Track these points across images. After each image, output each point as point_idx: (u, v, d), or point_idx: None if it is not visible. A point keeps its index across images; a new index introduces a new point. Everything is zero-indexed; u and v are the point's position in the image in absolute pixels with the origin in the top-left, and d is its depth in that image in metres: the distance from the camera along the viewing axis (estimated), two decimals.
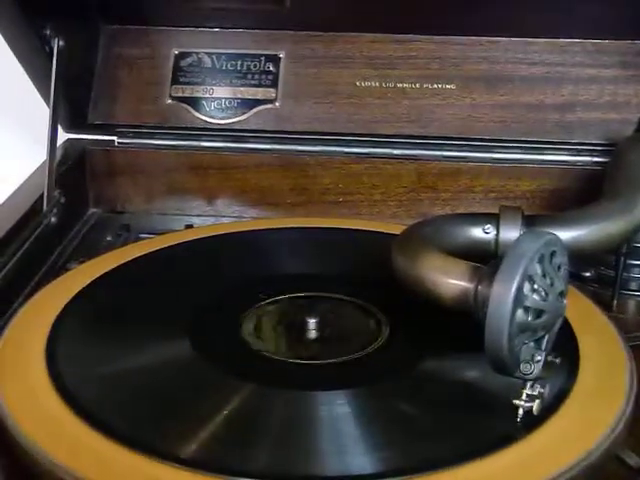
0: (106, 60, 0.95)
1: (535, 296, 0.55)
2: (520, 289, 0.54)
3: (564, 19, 0.90)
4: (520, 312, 0.54)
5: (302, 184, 0.91)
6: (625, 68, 0.90)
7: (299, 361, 0.64)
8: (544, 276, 0.56)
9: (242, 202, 0.92)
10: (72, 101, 0.92)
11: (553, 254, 0.57)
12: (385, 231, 0.78)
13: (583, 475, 0.53)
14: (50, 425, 0.56)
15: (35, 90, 0.88)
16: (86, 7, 0.91)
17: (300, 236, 0.82)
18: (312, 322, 0.67)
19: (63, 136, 0.92)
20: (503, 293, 0.53)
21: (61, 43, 0.83)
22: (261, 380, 0.61)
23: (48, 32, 0.83)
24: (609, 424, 0.56)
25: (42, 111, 0.85)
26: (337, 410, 0.58)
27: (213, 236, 0.82)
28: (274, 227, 0.84)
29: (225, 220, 0.90)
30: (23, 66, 0.86)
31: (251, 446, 0.55)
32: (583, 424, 0.57)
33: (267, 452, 0.55)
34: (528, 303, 0.55)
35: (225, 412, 0.57)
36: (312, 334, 0.67)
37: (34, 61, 0.85)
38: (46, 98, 0.85)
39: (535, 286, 0.55)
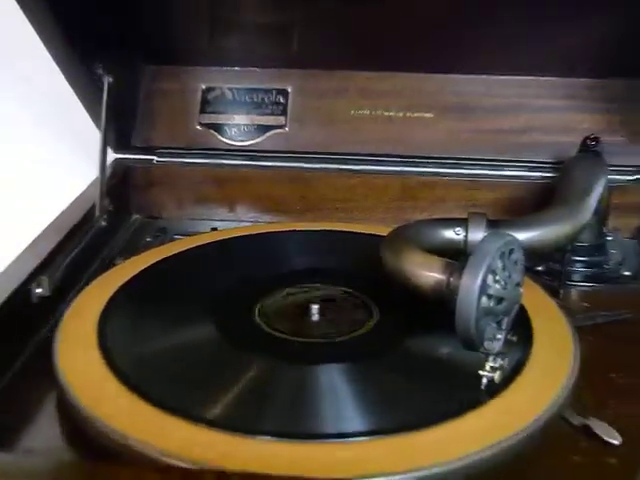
0: (147, 93, 0.95)
1: (497, 286, 0.55)
2: (484, 280, 0.54)
3: (522, 60, 0.90)
4: (484, 299, 0.54)
5: (306, 195, 0.91)
6: (571, 100, 0.91)
7: (303, 340, 0.64)
8: (504, 270, 0.56)
9: (257, 209, 0.92)
10: (119, 127, 0.92)
11: (511, 251, 0.57)
12: (375, 233, 0.78)
13: (537, 432, 0.53)
14: (99, 392, 0.56)
15: (89, 118, 0.87)
16: (131, 51, 0.91)
17: (305, 237, 0.82)
18: (314, 308, 0.67)
19: (112, 156, 0.92)
20: (471, 284, 0.54)
21: (110, 80, 0.83)
22: (272, 356, 0.61)
23: (100, 71, 0.83)
24: (557, 390, 0.57)
25: (95, 136, 0.85)
26: (335, 380, 0.58)
27: (234, 237, 0.83)
28: (284, 230, 0.84)
29: (244, 224, 0.90)
30: (79, 99, 0.86)
31: (263, 410, 0.55)
32: (536, 390, 0.57)
33: (277, 414, 0.55)
34: (491, 292, 0.55)
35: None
36: (314, 318, 0.67)
37: (89, 95, 0.85)
38: (98, 125, 0.85)
39: (497, 278, 0.55)
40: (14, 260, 0.68)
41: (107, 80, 0.83)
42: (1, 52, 1.04)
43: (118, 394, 0.56)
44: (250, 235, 0.83)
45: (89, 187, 0.84)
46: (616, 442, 0.55)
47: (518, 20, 0.84)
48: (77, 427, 0.55)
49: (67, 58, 0.80)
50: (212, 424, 0.52)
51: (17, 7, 0.74)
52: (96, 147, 0.83)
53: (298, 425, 0.54)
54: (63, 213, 0.79)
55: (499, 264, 0.56)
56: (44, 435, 0.56)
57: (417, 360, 0.61)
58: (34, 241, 0.72)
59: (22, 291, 0.65)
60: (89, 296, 0.69)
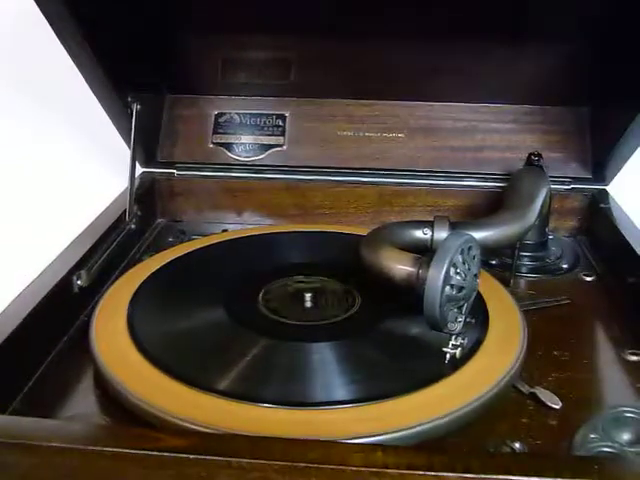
0: (169, 118, 0.94)
1: (458, 277, 0.55)
2: (448, 272, 0.53)
3: (477, 91, 0.89)
4: (447, 288, 0.54)
5: (301, 202, 0.90)
6: (517, 123, 0.90)
7: (298, 322, 0.63)
8: (464, 263, 0.55)
9: (260, 214, 0.91)
10: (146, 145, 0.91)
11: (470, 248, 0.57)
12: (357, 233, 0.77)
13: (492, 399, 0.53)
14: (127, 365, 0.56)
15: (121, 138, 0.86)
16: (156, 84, 0.90)
17: (299, 237, 0.81)
18: (308, 296, 0.66)
19: (139, 170, 0.91)
20: (436, 275, 0.53)
21: (138, 107, 0.82)
22: (272, 336, 0.60)
23: (129, 99, 0.82)
24: (509, 363, 0.57)
25: (125, 153, 0.83)
26: (324, 356, 0.57)
27: (241, 237, 0.82)
28: (282, 231, 0.83)
29: (249, 226, 0.88)
30: (113, 122, 0.85)
31: (265, 381, 0.54)
32: (491, 364, 0.57)
33: (276, 385, 0.54)
34: (453, 282, 0.54)
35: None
36: (308, 304, 0.66)
37: (120, 119, 0.84)
38: (128, 144, 0.84)
39: (458, 270, 0.55)
40: (58, 256, 0.67)
41: (136, 107, 0.82)
42: (48, 86, 1.04)
43: (144, 368, 0.56)
44: (254, 235, 0.82)
45: (120, 196, 0.83)
46: (557, 406, 0.55)
47: (475, 59, 0.85)
48: (110, 397, 0.55)
49: (103, 90, 0.79)
50: (224, 394, 0.52)
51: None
52: (126, 162, 0.82)
53: (295, 394, 0.53)
54: (98, 217, 0.78)
55: (460, 259, 0.55)
56: (82, 405, 0.56)
57: (392, 339, 0.61)
58: (74, 241, 0.71)
59: (65, 282, 0.64)
60: (120, 287, 0.68)
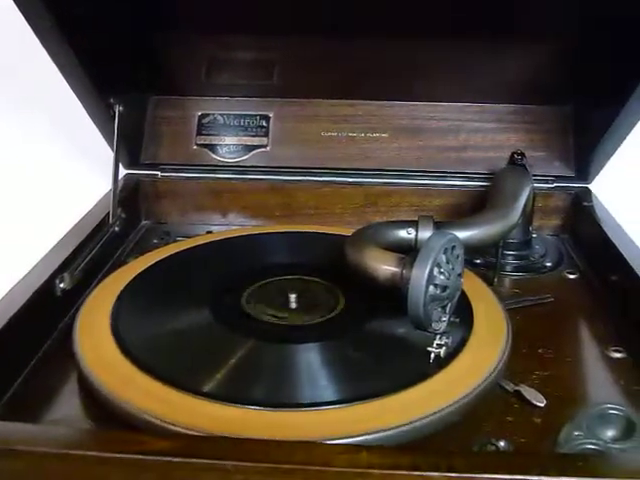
0: (152, 119, 0.94)
1: (441, 276, 0.55)
2: (431, 272, 0.53)
3: (461, 91, 0.90)
4: (431, 288, 0.54)
5: (286, 202, 0.90)
6: (500, 123, 0.90)
7: (283, 323, 0.63)
8: (447, 263, 0.55)
9: (245, 215, 0.91)
10: (129, 147, 0.90)
11: (453, 248, 0.57)
12: (342, 233, 0.77)
13: (476, 397, 0.53)
14: (111, 368, 0.56)
15: (104, 140, 0.86)
16: (139, 85, 0.90)
17: (284, 237, 0.81)
18: (293, 296, 0.66)
19: (123, 172, 0.91)
20: (420, 275, 0.53)
21: (121, 108, 0.82)
22: (258, 337, 0.60)
23: (112, 101, 0.81)
24: (493, 362, 0.57)
25: (109, 155, 0.83)
26: (310, 357, 0.57)
27: (226, 238, 0.81)
28: (267, 232, 0.83)
29: (234, 227, 0.88)
30: (95, 124, 0.84)
31: (250, 382, 0.54)
32: (476, 362, 0.57)
33: (261, 386, 0.54)
34: (437, 281, 0.54)
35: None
36: (293, 305, 0.66)
37: (103, 121, 0.83)
38: (111, 146, 0.83)
39: (441, 270, 0.55)
40: (41, 259, 0.67)
41: (118, 109, 0.81)
42: (30, 87, 1.03)
43: (128, 371, 0.55)
44: (239, 236, 0.82)
45: (104, 198, 0.83)
46: (541, 404, 0.55)
47: (458, 59, 0.85)
48: (94, 401, 0.54)
49: (85, 92, 0.79)
50: (208, 396, 0.52)
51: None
52: (110, 164, 0.81)
53: (280, 395, 0.53)
54: (82, 220, 0.77)
55: (443, 258, 0.55)
56: (66, 408, 0.55)
57: (377, 339, 0.61)
58: (57, 243, 0.71)
59: (48, 285, 0.64)
60: (104, 289, 0.68)
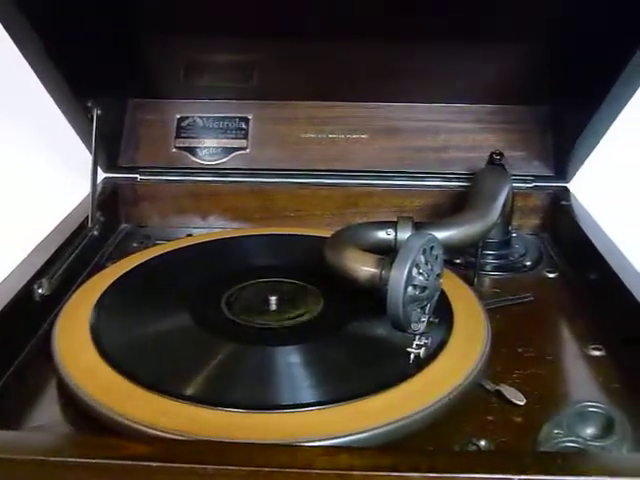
0: (131, 122, 0.93)
1: (420, 277, 0.55)
2: (410, 273, 0.53)
3: (440, 91, 0.90)
4: (410, 288, 0.54)
5: (266, 205, 0.90)
6: (479, 123, 0.91)
7: (263, 326, 0.63)
8: (426, 263, 0.55)
9: (225, 218, 0.91)
10: (108, 151, 0.90)
11: (432, 248, 0.57)
12: (321, 235, 0.77)
13: (457, 397, 0.53)
14: (91, 373, 0.55)
15: (82, 144, 0.85)
16: (117, 88, 0.89)
17: (264, 240, 0.81)
18: (273, 299, 0.66)
19: (102, 175, 0.91)
20: (398, 276, 0.53)
21: (99, 112, 0.81)
22: (238, 340, 0.60)
23: (90, 104, 0.81)
24: (473, 361, 0.57)
25: (87, 159, 0.82)
26: (290, 359, 0.57)
27: (206, 241, 0.81)
28: (247, 234, 0.83)
29: (214, 230, 0.88)
30: (73, 128, 0.84)
31: (231, 385, 0.54)
32: (456, 362, 0.57)
33: (242, 389, 0.54)
34: (416, 282, 0.54)
35: None
36: (273, 307, 0.66)
37: (81, 124, 0.83)
38: (89, 149, 0.83)
39: (420, 270, 0.55)
40: (19, 265, 0.66)
41: (96, 112, 0.81)
42: (6, 91, 1.02)
43: (108, 376, 0.55)
44: (219, 239, 0.81)
45: (82, 202, 0.83)
46: (521, 403, 0.55)
47: (436, 60, 0.86)
48: (74, 407, 0.54)
49: (62, 95, 0.78)
50: (189, 399, 0.52)
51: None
52: (88, 168, 0.81)
53: (260, 398, 0.53)
54: (60, 224, 0.77)
55: (422, 259, 0.55)
56: (46, 414, 0.55)
57: (357, 341, 0.61)
58: (35, 248, 0.70)
59: (26, 291, 0.63)
60: (83, 294, 0.68)
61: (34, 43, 0.70)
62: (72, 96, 0.78)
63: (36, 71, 0.74)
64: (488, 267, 0.79)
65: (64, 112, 0.82)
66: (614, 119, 0.79)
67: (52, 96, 0.78)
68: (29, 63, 0.73)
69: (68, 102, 0.80)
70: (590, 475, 0.40)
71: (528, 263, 0.80)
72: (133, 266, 0.73)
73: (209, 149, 0.92)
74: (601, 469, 0.41)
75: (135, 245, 0.85)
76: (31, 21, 0.68)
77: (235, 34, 0.85)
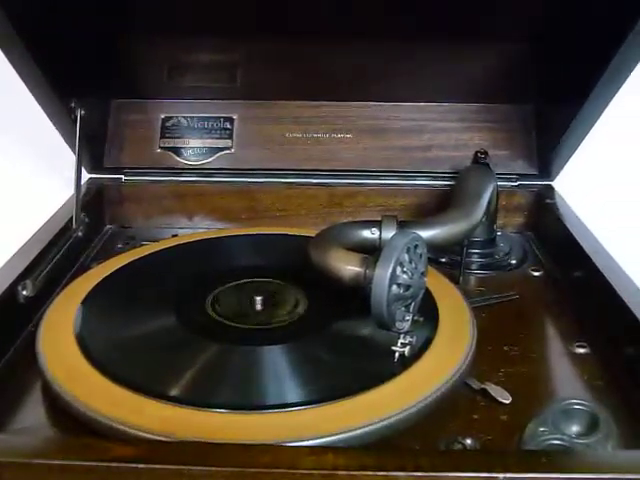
0: (115, 122, 0.93)
1: (404, 276, 0.55)
2: (394, 271, 0.54)
3: (424, 91, 0.90)
4: (394, 287, 0.54)
5: (251, 205, 0.90)
6: (463, 122, 0.91)
7: (249, 326, 0.63)
8: (410, 262, 0.56)
9: (211, 218, 0.90)
10: (92, 151, 0.89)
11: (416, 247, 0.57)
12: (307, 234, 0.76)
13: (442, 396, 0.53)
14: (76, 375, 0.55)
15: (66, 145, 0.85)
16: (101, 88, 0.89)
17: (249, 240, 0.81)
18: (258, 299, 0.66)
19: (86, 176, 0.90)
20: (382, 274, 0.53)
21: (82, 112, 0.81)
22: (223, 340, 0.60)
23: (73, 105, 0.80)
24: (459, 360, 0.57)
25: (71, 159, 0.82)
26: (275, 359, 0.57)
27: (192, 241, 0.81)
28: (233, 234, 0.83)
29: (199, 230, 0.88)
30: (57, 128, 0.84)
31: (216, 386, 0.54)
32: (442, 361, 0.57)
33: (227, 390, 0.54)
34: (400, 281, 0.54)
35: None
36: (258, 307, 0.66)
37: (64, 125, 0.83)
38: (73, 150, 0.82)
39: (404, 269, 0.55)
40: (2, 266, 0.66)
41: (80, 112, 0.80)
42: None
43: (93, 378, 0.55)
44: (204, 240, 0.81)
45: (67, 203, 0.82)
46: (507, 401, 0.55)
47: (421, 60, 0.86)
48: (59, 408, 0.54)
49: (44, 95, 0.78)
50: (174, 400, 0.51)
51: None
52: (72, 168, 0.80)
53: (245, 398, 0.53)
54: (44, 226, 0.76)
55: (406, 257, 0.55)
56: (31, 417, 0.54)
57: (343, 340, 0.61)
58: (19, 250, 0.70)
59: (10, 293, 0.63)
60: (68, 295, 0.67)
61: (16, 43, 0.70)
62: (55, 96, 0.78)
63: (18, 71, 0.74)
64: (473, 266, 0.79)
65: (47, 113, 0.81)
66: (598, 117, 0.79)
67: (35, 96, 0.78)
68: (11, 62, 0.73)
69: (51, 102, 0.79)
70: (574, 473, 0.41)
71: (513, 261, 0.80)
72: (118, 267, 0.73)
73: (194, 149, 0.92)
74: (585, 467, 0.41)
75: (120, 246, 0.85)
76: (13, 21, 0.67)
77: (219, 34, 0.85)
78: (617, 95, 0.75)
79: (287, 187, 0.90)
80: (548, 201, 0.86)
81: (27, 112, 0.82)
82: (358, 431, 0.48)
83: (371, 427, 0.49)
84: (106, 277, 0.70)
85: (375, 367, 0.55)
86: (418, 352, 0.57)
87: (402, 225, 0.68)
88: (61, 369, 0.55)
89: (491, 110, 0.91)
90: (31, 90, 0.77)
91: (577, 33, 0.78)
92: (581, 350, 0.63)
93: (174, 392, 0.53)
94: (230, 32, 0.85)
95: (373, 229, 0.67)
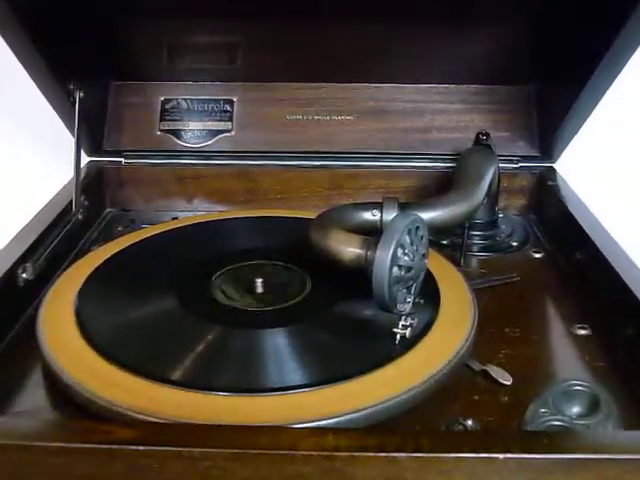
0: (114, 105, 0.92)
1: (405, 257, 0.55)
2: (395, 253, 0.53)
3: (425, 72, 0.90)
4: (395, 269, 0.54)
5: (251, 187, 0.90)
6: (464, 103, 0.91)
7: (250, 308, 0.63)
8: (411, 244, 0.55)
9: (210, 201, 0.90)
10: (91, 134, 0.89)
11: (417, 228, 0.57)
12: (307, 217, 0.76)
13: (444, 377, 0.53)
14: (76, 358, 0.55)
15: (65, 128, 0.85)
16: (100, 70, 0.88)
17: (250, 222, 0.81)
18: (259, 281, 0.66)
19: (86, 159, 0.90)
20: (383, 256, 0.53)
21: (81, 94, 0.80)
22: (225, 323, 0.59)
23: (72, 87, 0.80)
24: (460, 342, 0.57)
25: (71, 142, 0.81)
26: (276, 341, 0.57)
27: (191, 224, 0.81)
28: (233, 217, 0.82)
29: (199, 213, 0.88)
30: (55, 111, 0.83)
31: (217, 369, 0.54)
32: (443, 343, 0.57)
33: (228, 372, 0.54)
34: (401, 262, 0.54)
35: None
36: (259, 289, 0.65)
37: (63, 108, 0.82)
38: (72, 133, 0.82)
39: (405, 251, 0.55)
40: (2, 250, 0.66)
41: (78, 95, 0.80)
42: None
43: (93, 361, 0.54)
44: (205, 222, 0.81)
45: (66, 186, 0.82)
46: (508, 383, 0.55)
47: (422, 41, 0.86)
48: (60, 391, 0.54)
49: (43, 78, 0.77)
50: (175, 383, 0.51)
51: None
52: (72, 151, 0.80)
53: (246, 381, 0.53)
54: (44, 209, 0.76)
55: (407, 239, 0.55)
56: (32, 400, 0.54)
57: (344, 322, 0.61)
58: (19, 233, 0.69)
59: (9, 276, 0.63)
60: (68, 278, 0.67)
61: (14, 25, 0.69)
62: (53, 79, 0.77)
63: (16, 53, 0.73)
64: (475, 248, 0.79)
65: (46, 95, 0.81)
66: (600, 99, 0.79)
67: (33, 79, 0.77)
68: (9, 45, 0.72)
69: (49, 85, 0.79)
70: (575, 453, 0.41)
71: (515, 243, 0.80)
72: (118, 250, 0.73)
73: (194, 132, 0.92)
74: (585, 447, 0.41)
75: (120, 229, 0.85)
76: (10, 3, 0.67)
77: (219, 15, 0.85)
78: (619, 77, 0.75)
79: (287, 169, 0.89)
80: (550, 183, 0.85)
81: (26, 95, 0.82)
82: (359, 413, 0.48)
83: (372, 409, 0.49)
84: (106, 260, 0.70)
85: (376, 349, 0.55)
86: (419, 334, 0.57)
87: (403, 207, 0.67)
88: (61, 352, 0.55)
89: (492, 91, 0.90)
90: (29, 72, 0.77)
91: (578, 13, 0.77)
92: (582, 332, 0.63)
93: (175, 375, 0.53)
94: (230, 14, 0.84)
95: (374, 211, 0.67)
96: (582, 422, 0.49)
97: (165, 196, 0.90)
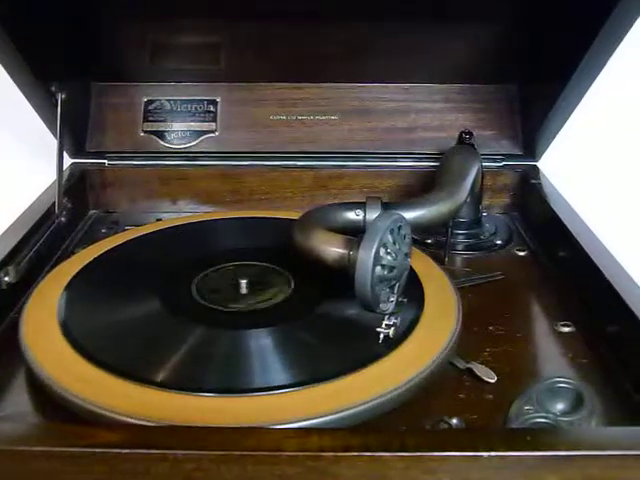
0: (97, 106, 0.92)
1: (388, 257, 0.55)
2: (377, 253, 0.53)
3: (408, 71, 0.90)
4: (378, 268, 0.54)
5: (236, 188, 0.89)
6: (448, 102, 0.91)
7: (234, 309, 0.62)
8: (394, 243, 0.55)
9: (195, 202, 0.90)
10: (74, 136, 0.89)
11: (400, 228, 0.57)
12: (291, 217, 0.76)
13: (428, 376, 0.53)
14: (59, 361, 0.55)
15: (47, 129, 0.84)
16: (82, 71, 0.88)
17: (235, 223, 0.80)
18: (243, 282, 0.65)
19: (69, 161, 0.89)
20: (366, 256, 0.53)
21: (63, 96, 0.80)
22: (207, 323, 0.59)
23: (54, 89, 0.79)
24: (445, 340, 0.57)
25: (53, 144, 0.81)
26: (261, 342, 0.57)
27: (175, 225, 0.80)
28: (217, 218, 0.82)
29: (184, 215, 0.87)
30: (37, 112, 0.83)
31: (201, 370, 0.54)
32: (428, 341, 0.57)
33: (212, 374, 0.54)
34: (383, 262, 0.54)
35: None
36: (243, 290, 0.65)
37: (45, 109, 0.82)
38: (55, 135, 0.81)
39: (388, 250, 0.55)
40: None
41: (60, 96, 0.79)
42: None
43: (77, 363, 0.54)
44: (189, 223, 0.81)
45: (49, 188, 0.81)
46: (492, 381, 0.56)
47: (405, 40, 0.85)
48: (44, 395, 0.53)
49: (24, 79, 0.77)
50: (159, 385, 0.51)
51: None
52: (54, 153, 0.79)
53: (230, 382, 0.53)
54: (26, 211, 0.75)
55: (390, 239, 0.55)
56: (15, 404, 0.54)
57: (328, 322, 0.60)
58: (1, 236, 0.69)
59: None
60: (51, 281, 0.66)
61: None
62: (35, 80, 0.77)
63: None
64: (459, 246, 0.79)
65: (27, 96, 0.80)
66: (582, 97, 0.79)
67: (14, 80, 0.77)
68: None
69: (31, 86, 0.78)
70: (559, 450, 0.41)
71: (498, 242, 0.80)
72: (102, 252, 0.72)
73: (177, 133, 0.91)
74: (569, 444, 0.41)
75: (104, 231, 0.84)
76: None
77: (202, 16, 0.84)
78: (601, 76, 0.75)
79: (272, 169, 0.89)
80: (533, 181, 0.86)
81: (7, 96, 0.81)
82: (343, 413, 0.48)
83: (357, 409, 0.49)
84: (90, 262, 0.70)
85: (360, 349, 0.55)
86: (404, 332, 0.57)
87: (386, 206, 0.67)
88: (45, 355, 0.55)
89: (475, 90, 0.90)
90: (10, 73, 0.76)
91: (560, 13, 0.77)
92: (566, 329, 0.63)
93: (158, 376, 0.52)
94: (213, 14, 0.84)
95: (357, 211, 0.67)
96: (566, 419, 0.49)
97: (149, 197, 0.90)
